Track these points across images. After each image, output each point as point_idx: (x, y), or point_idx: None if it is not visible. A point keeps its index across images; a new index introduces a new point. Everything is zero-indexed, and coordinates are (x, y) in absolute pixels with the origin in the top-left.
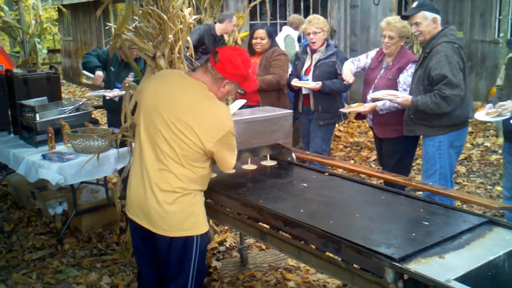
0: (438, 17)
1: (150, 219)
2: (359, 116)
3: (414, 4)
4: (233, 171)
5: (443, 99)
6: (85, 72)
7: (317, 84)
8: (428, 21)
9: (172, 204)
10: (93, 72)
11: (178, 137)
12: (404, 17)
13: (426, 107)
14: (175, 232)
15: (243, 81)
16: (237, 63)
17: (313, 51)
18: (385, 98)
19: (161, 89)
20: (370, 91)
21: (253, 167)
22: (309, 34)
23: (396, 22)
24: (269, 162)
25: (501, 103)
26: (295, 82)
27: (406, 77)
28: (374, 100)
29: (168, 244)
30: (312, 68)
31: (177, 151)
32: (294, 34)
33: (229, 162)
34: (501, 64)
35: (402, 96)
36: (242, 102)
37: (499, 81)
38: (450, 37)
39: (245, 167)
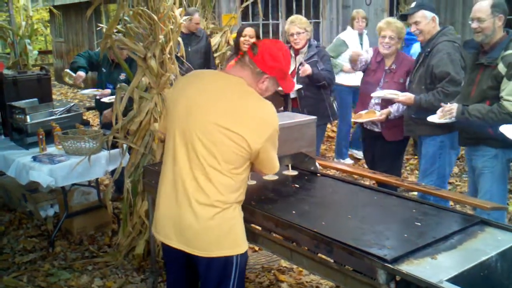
0: (437, 17)
1: (186, 238)
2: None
3: (413, 4)
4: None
5: (446, 97)
6: (68, 71)
7: (307, 70)
8: (427, 20)
9: (211, 220)
10: (75, 72)
11: (221, 141)
12: (403, 17)
13: (429, 105)
14: (214, 252)
15: (283, 77)
16: (277, 56)
17: (296, 53)
18: (387, 96)
19: (196, 91)
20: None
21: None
22: (292, 34)
23: (396, 22)
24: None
25: (447, 106)
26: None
27: None
28: (379, 102)
29: (206, 265)
30: (296, 70)
31: (218, 157)
32: (351, 34)
33: (274, 163)
34: None
35: (403, 94)
36: None
37: None
38: (450, 37)
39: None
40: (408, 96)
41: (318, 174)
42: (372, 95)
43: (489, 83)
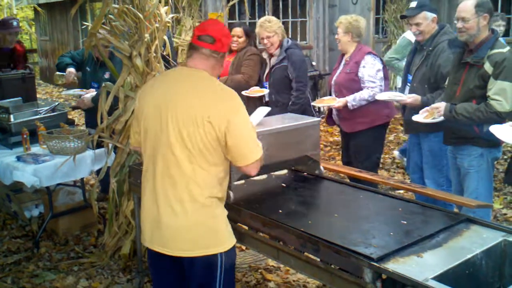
0: (436, 17)
1: (166, 239)
2: (331, 121)
3: (414, 4)
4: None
5: None
6: (58, 73)
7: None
8: (428, 21)
9: (191, 217)
10: (65, 71)
11: (193, 133)
12: (403, 17)
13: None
14: (196, 251)
15: None
16: (227, 32)
17: (270, 56)
18: (392, 99)
19: (163, 91)
20: (332, 89)
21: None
22: (262, 39)
23: (345, 18)
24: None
25: (434, 105)
26: (246, 93)
27: (369, 71)
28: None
29: (189, 265)
30: (269, 74)
31: (192, 151)
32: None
33: (247, 153)
34: None
35: (411, 96)
36: (266, 110)
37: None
38: (451, 35)
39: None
40: (415, 98)
41: (303, 172)
42: (376, 97)
43: (475, 82)
